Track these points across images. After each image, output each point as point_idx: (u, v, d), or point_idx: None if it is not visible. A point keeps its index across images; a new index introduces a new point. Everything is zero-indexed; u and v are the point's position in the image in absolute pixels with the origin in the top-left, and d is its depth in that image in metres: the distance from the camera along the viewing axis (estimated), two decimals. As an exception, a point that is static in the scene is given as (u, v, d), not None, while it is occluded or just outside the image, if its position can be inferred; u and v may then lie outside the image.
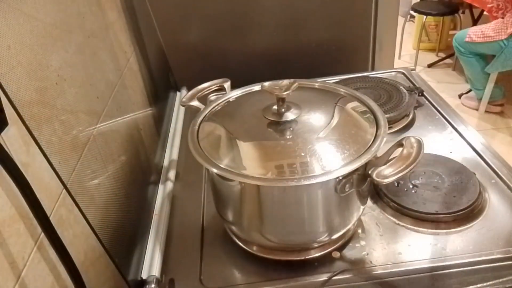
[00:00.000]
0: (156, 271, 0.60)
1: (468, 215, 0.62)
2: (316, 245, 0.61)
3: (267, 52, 1.14)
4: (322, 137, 0.54)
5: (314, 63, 1.15)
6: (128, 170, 0.69)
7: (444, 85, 2.79)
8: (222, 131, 0.60)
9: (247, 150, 0.56)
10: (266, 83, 0.58)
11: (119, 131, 0.70)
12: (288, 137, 0.55)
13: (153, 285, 0.58)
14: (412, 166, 0.49)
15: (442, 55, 3.15)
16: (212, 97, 0.83)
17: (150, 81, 0.96)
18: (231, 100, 0.68)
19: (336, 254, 0.61)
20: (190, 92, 0.71)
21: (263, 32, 1.12)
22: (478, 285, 0.57)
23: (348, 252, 0.62)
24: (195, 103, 0.69)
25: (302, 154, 0.52)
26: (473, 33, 2.25)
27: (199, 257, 0.63)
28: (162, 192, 0.78)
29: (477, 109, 2.49)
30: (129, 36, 0.87)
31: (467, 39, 2.27)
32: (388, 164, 0.50)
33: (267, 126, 0.57)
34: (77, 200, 0.48)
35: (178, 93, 1.16)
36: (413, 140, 0.52)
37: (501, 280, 0.57)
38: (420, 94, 0.91)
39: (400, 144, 0.53)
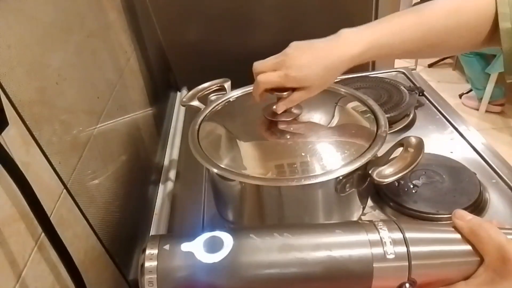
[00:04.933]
0: (156, 271, 0.60)
1: (468, 215, 0.62)
2: (316, 245, 0.61)
3: (268, 51, 1.13)
4: (322, 137, 0.54)
5: (315, 62, 1.15)
6: (128, 170, 0.69)
7: (445, 85, 2.79)
8: (223, 131, 0.60)
9: (247, 149, 0.56)
10: (267, 83, 0.58)
11: (119, 131, 0.70)
12: (288, 136, 0.55)
13: (153, 285, 0.58)
14: (412, 166, 0.49)
15: (442, 54, 3.15)
16: (213, 97, 0.83)
17: (151, 81, 0.96)
18: (231, 100, 0.68)
19: (337, 254, 0.61)
20: (191, 92, 0.71)
21: (263, 31, 1.12)
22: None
23: (349, 252, 0.62)
24: (196, 103, 0.69)
25: (303, 154, 0.52)
26: (474, 33, 2.25)
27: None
28: (162, 191, 0.78)
29: (477, 109, 2.49)
30: (129, 36, 0.87)
31: (467, 39, 2.27)
32: (388, 164, 0.50)
33: (267, 126, 0.57)
34: (77, 200, 0.48)
35: (178, 93, 1.16)
36: (413, 140, 0.52)
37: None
38: (420, 94, 0.91)
39: (400, 144, 0.53)
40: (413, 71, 1.05)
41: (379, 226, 0.36)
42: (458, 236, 0.37)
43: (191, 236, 0.35)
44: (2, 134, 0.36)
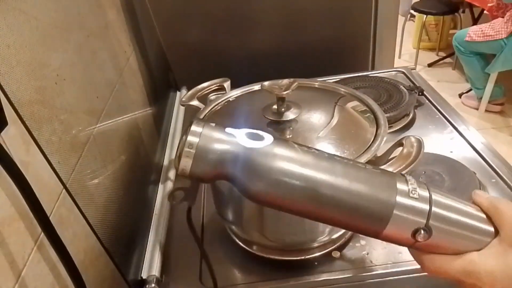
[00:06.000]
0: (156, 271, 0.60)
1: (468, 214, 0.62)
2: (316, 244, 0.61)
3: (267, 51, 1.14)
4: (322, 137, 0.54)
5: (314, 62, 1.15)
6: (128, 170, 0.69)
7: (444, 84, 2.79)
8: (222, 131, 0.60)
9: (247, 149, 0.56)
10: (266, 83, 0.58)
11: (119, 130, 0.70)
12: (288, 136, 0.55)
13: (153, 285, 0.58)
14: (412, 166, 0.49)
15: (442, 54, 3.15)
16: (212, 96, 0.83)
17: (150, 81, 0.96)
18: (231, 99, 0.68)
19: (336, 254, 0.61)
20: (190, 92, 0.71)
21: (263, 31, 1.12)
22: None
23: (348, 252, 0.62)
24: (195, 102, 0.69)
25: (302, 153, 0.52)
26: (473, 32, 2.25)
27: (199, 257, 0.63)
28: (162, 191, 0.78)
29: (477, 108, 2.49)
30: (129, 36, 0.87)
31: (467, 38, 2.27)
32: (388, 163, 0.50)
33: (267, 126, 0.57)
34: (77, 200, 0.48)
35: (178, 92, 1.16)
36: (413, 139, 0.52)
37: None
38: (420, 94, 0.91)
39: (400, 144, 0.53)
40: (412, 70, 1.05)
41: (410, 179, 0.37)
42: (482, 215, 0.37)
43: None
44: (2, 133, 0.36)
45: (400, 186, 0.36)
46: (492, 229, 0.36)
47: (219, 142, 0.35)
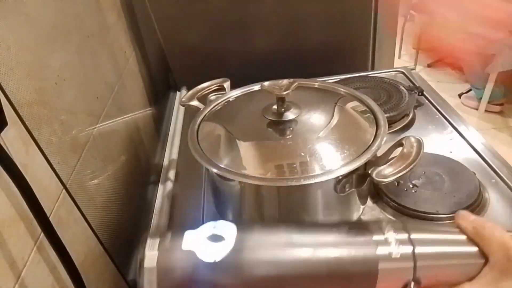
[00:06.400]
0: (156, 271, 0.60)
1: (468, 214, 0.62)
2: (316, 245, 0.61)
3: (267, 52, 1.14)
4: (322, 137, 0.54)
5: (314, 62, 1.15)
6: (127, 170, 0.69)
7: (444, 85, 2.79)
8: (222, 131, 0.60)
9: (247, 150, 0.56)
10: (266, 83, 0.58)
11: (119, 131, 0.70)
12: (288, 136, 0.55)
13: (153, 285, 0.58)
14: (412, 166, 0.49)
15: (442, 54, 3.15)
16: (212, 96, 0.83)
17: (150, 81, 0.96)
18: (231, 99, 0.68)
19: (336, 254, 0.61)
20: (190, 92, 0.71)
21: (263, 32, 1.12)
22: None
23: (348, 252, 0.62)
24: (195, 103, 0.69)
25: (302, 154, 0.52)
26: (473, 33, 2.25)
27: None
28: (162, 192, 0.78)
29: (477, 109, 2.49)
30: (129, 36, 0.87)
31: (467, 39, 2.27)
32: (388, 163, 0.50)
33: (266, 126, 0.57)
34: (77, 200, 0.48)
35: (178, 93, 1.16)
36: (413, 139, 0.52)
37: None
38: (420, 94, 0.91)
39: (400, 144, 0.53)
40: (412, 71, 1.05)
41: (384, 226, 0.36)
42: (463, 237, 0.37)
43: (192, 230, 0.34)
44: (2, 134, 0.36)
45: (377, 237, 0.35)
46: (476, 248, 0.36)
47: (179, 257, 0.33)
